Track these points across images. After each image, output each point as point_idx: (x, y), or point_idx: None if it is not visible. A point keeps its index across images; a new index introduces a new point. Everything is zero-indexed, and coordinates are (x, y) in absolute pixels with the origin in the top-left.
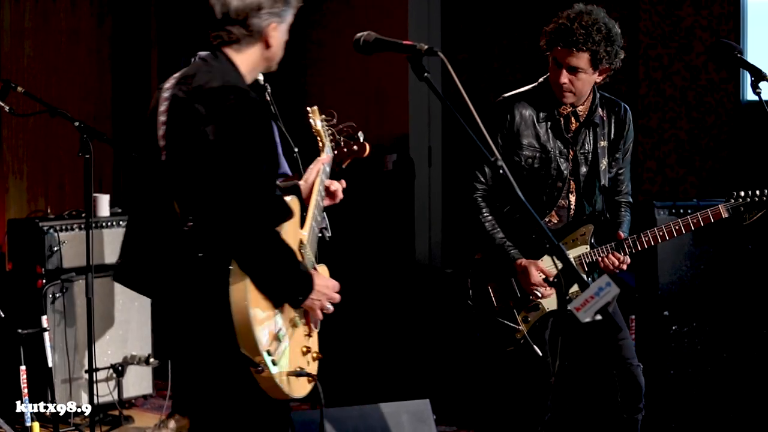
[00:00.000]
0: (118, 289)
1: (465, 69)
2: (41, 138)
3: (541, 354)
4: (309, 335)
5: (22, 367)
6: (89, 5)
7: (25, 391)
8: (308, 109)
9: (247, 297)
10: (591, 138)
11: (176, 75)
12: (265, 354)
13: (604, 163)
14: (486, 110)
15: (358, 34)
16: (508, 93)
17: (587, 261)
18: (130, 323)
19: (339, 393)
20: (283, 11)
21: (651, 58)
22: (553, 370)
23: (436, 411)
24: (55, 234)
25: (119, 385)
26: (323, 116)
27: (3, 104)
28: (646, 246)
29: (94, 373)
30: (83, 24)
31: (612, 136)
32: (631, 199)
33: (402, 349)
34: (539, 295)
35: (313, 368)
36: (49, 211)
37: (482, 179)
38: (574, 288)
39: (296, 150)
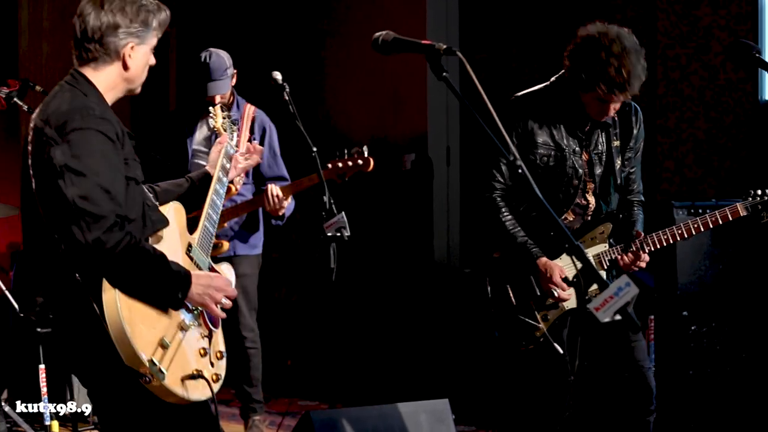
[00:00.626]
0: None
1: (483, 69)
2: None
3: (561, 351)
4: (208, 336)
5: (41, 366)
6: None
7: (44, 390)
8: (210, 109)
9: (119, 310)
10: (604, 138)
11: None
12: (149, 363)
13: (618, 163)
14: (500, 110)
15: (377, 34)
16: (521, 92)
17: (606, 259)
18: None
19: (358, 392)
20: (142, 32)
21: (669, 58)
22: (571, 369)
23: (455, 410)
24: None
25: None
26: (225, 113)
27: (21, 103)
28: (664, 244)
29: None
30: None
31: (624, 135)
32: (642, 198)
33: (421, 349)
34: (557, 295)
35: (217, 368)
36: None
37: (500, 178)
38: (593, 287)
39: (315, 149)
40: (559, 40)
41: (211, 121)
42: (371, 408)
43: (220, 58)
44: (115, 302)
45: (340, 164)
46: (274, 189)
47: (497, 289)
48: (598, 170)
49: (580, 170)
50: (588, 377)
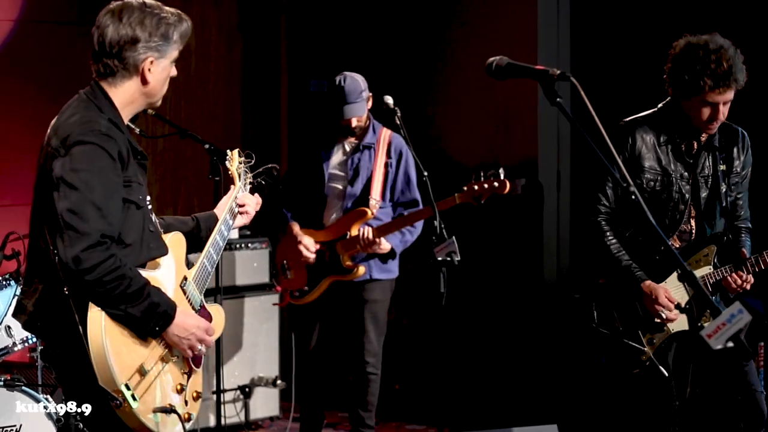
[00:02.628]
0: (247, 311)
1: (593, 94)
2: (171, 160)
3: (667, 375)
4: (187, 373)
5: None
6: (219, 28)
7: None
8: (227, 152)
9: (102, 328)
10: (711, 161)
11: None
12: (123, 387)
13: (724, 186)
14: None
15: (491, 59)
16: (629, 117)
17: (711, 282)
18: (258, 345)
19: (466, 417)
20: (162, 46)
21: None
22: (677, 394)
23: None
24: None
25: (246, 407)
26: (242, 158)
27: (134, 126)
28: None
29: (222, 394)
30: (213, 47)
31: (731, 160)
32: (750, 225)
33: (530, 374)
34: (664, 317)
35: (191, 407)
36: None
37: (605, 202)
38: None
39: (425, 174)
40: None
41: (227, 164)
42: None
43: (355, 81)
44: (100, 320)
45: (476, 187)
46: (365, 232)
47: (603, 314)
48: (704, 193)
49: (687, 195)
50: (696, 402)
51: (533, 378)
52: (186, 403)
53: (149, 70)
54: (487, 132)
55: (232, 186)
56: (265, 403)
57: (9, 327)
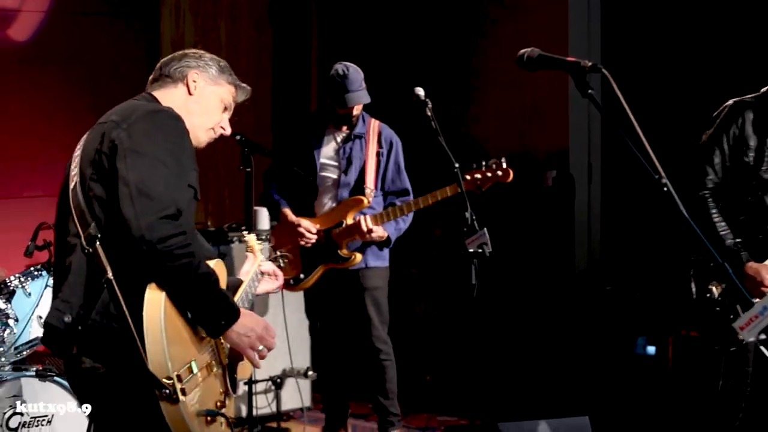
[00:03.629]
0: (277, 301)
1: (624, 85)
2: (201, 151)
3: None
4: (225, 393)
5: None
6: (249, 19)
7: None
8: (243, 234)
9: (162, 311)
10: None
11: None
12: (174, 377)
13: None
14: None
15: (522, 51)
16: (733, 99)
17: None
18: (289, 337)
19: (499, 408)
20: (212, 70)
21: None
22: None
23: (595, 428)
24: (215, 248)
25: (278, 398)
26: (259, 240)
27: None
28: None
29: (254, 385)
30: (243, 38)
31: None
32: None
33: (561, 365)
34: None
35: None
36: (209, 223)
37: (712, 176)
38: None
39: (457, 165)
40: (702, 58)
41: (246, 242)
42: (512, 424)
43: (357, 71)
44: (160, 303)
45: (478, 175)
46: (364, 221)
47: (701, 290)
48: None
49: None
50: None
51: (564, 370)
52: (221, 424)
53: (194, 80)
54: (518, 124)
55: (251, 256)
56: (297, 394)
57: (41, 317)
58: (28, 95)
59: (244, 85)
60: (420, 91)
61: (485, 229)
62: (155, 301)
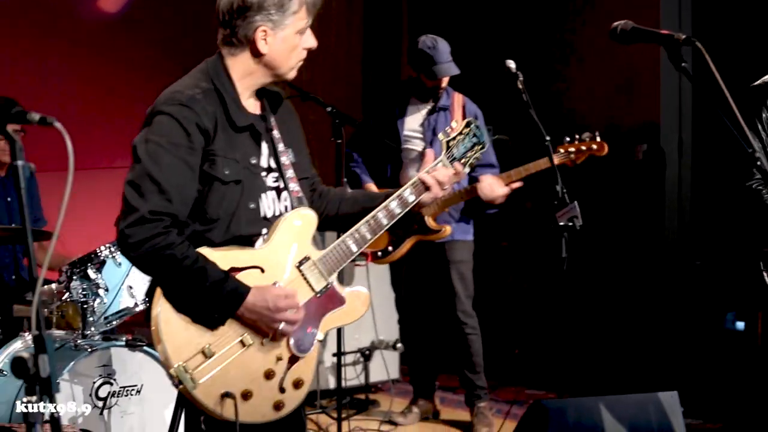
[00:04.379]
0: (364, 275)
1: (715, 59)
2: None
3: None
4: (285, 360)
5: None
6: None
7: None
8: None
9: (158, 305)
10: None
11: None
12: (180, 368)
13: None
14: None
15: (615, 23)
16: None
17: None
18: (378, 309)
19: (586, 382)
20: (276, 16)
21: None
22: None
23: (684, 403)
24: None
25: (366, 370)
26: (471, 128)
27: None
28: None
29: (342, 357)
30: (334, 10)
31: None
32: None
33: (650, 340)
34: None
35: (289, 396)
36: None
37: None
38: None
39: (548, 138)
40: None
41: (452, 124)
42: (600, 398)
43: (444, 42)
44: (159, 296)
45: (572, 149)
46: (488, 179)
47: None
48: None
49: None
50: None
51: (654, 344)
52: (282, 390)
53: (264, 40)
54: (609, 97)
55: (431, 155)
56: (385, 366)
57: (131, 287)
58: (116, 67)
59: None
60: (511, 64)
61: (576, 202)
62: (156, 297)
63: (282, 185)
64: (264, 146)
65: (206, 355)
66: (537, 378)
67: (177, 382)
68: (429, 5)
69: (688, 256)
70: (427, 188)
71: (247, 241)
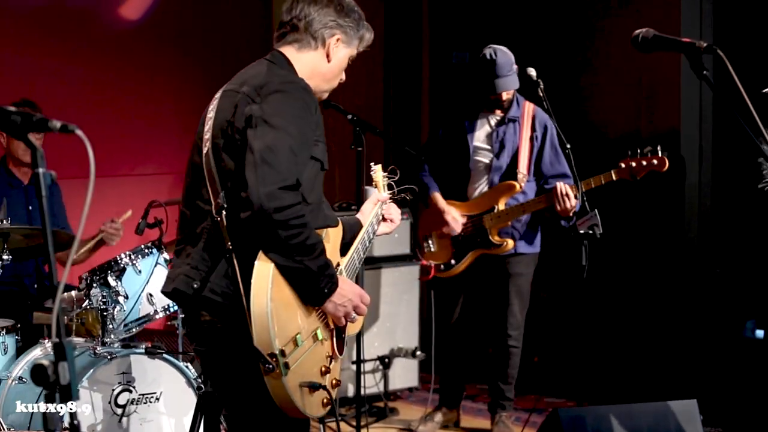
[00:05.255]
0: (387, 281)
1: (736, 67)
2: None
3: None
4: (331, 357)
5: None
6: (361, 3)
7: None
8: (372, 165)
9: (269, 285)
10: None
11: None
12: (278, 352)
13: None
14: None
15: (637, 31)
16: None
17: None
18: (397, 316)
19: (605, 391)
20: (351, 30)
21: None
22: None
23: (703, 412)
24: None
25: (385, 377)
26: (385, 173)
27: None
28: None
29: (362, 364)
30: None
31: None
32: None
33: (669, 349)
34: None
35: (331, 395)
36: None
37: None
38: None
39: (568, 146)
40: None
41: (372, 174)
42: (619, 406)
43: (506, 54)
44: (268, 276)
45: (633, 164)
46: (563, 188)
47: None
48: None
49: None
50: None
51: (673, 352)
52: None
53: (336, 46)
54: (629, 104)
55: (374, 193)
56: (404, 374)
57: (151, 295)
58: (139, 75)
59: (370, 31)
60: (532, 72)
61: (596, 210)
62: (263, 273)
63: None
64: None
65: (297, 343)
66: (556, 386)
67: (272, 366)
68: (450, 14)
69: (708, 263)
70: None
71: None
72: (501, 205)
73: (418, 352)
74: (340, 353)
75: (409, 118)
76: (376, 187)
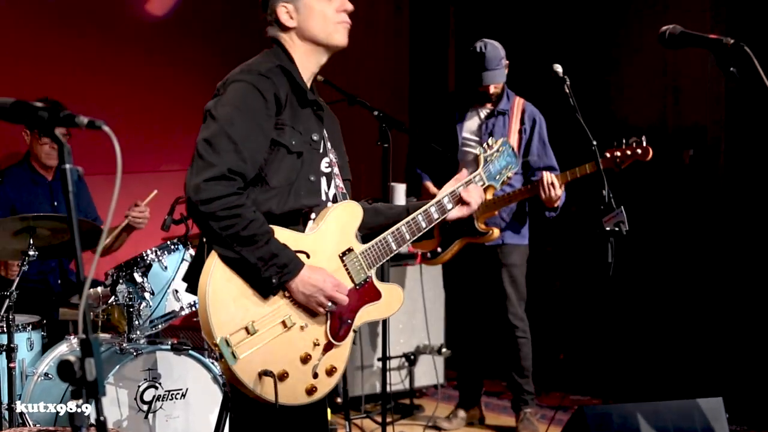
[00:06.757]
0: (412, 278)
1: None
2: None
3: None
4: (322, 345)
5: None
6: None
7: None
8: (490, 139)
9: (209, 276)
10: None
11: None
12: (221, 343)
13: None
14: None
15: (664, 28)
16: None
17: None
18: (423, 313)
19: (631, 388)
20: None
21: None
22: None
23: (729, 410)
24: None
25: (411, 374)
26: (497, 150)
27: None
28: None
29: (387, 362)
30: (381, 14)
31: None
32: None
33: (694, 347)
34: None
35: (322, 382)
36: None
37: None
38: None
39: (594, 142)
40: None
41: (484, 145)
42: (644, 404)
43: (495, 48)
44: (209, 267)
45: (617, 153)
46: (549, 177)
47: None
48: None
49: None
50: None
51: (699, 350)
52: (315, 375)
53: (288, 15)
54: (656, 101)
55: (465, 172)
56: (430, 371)
57: (176, 291)
58: (164, 70)
59: None
60: (558, 68)
61: (622, 207)
62: (207, 265)
63: (332, 172)
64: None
65: (249, 331)
66: (582, 384)
67: (218, 355)
68: (476, 11)
69: (733, 259)
70: (464, 202)
71: (305, 216)
72: (488, 195)
73: (444, 349)
74: (338, 340)
75: (432, 104)
76: (477, 160)
